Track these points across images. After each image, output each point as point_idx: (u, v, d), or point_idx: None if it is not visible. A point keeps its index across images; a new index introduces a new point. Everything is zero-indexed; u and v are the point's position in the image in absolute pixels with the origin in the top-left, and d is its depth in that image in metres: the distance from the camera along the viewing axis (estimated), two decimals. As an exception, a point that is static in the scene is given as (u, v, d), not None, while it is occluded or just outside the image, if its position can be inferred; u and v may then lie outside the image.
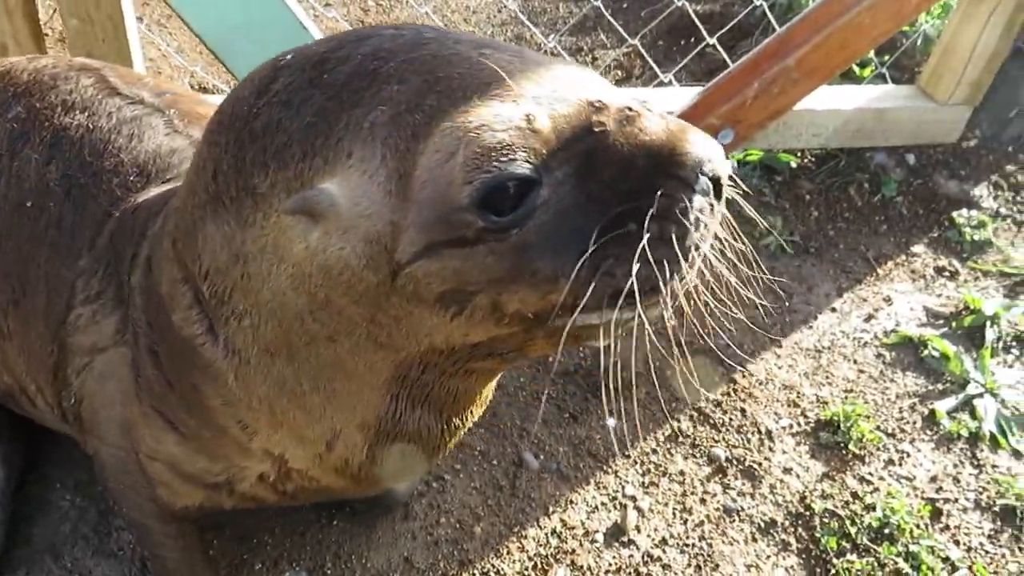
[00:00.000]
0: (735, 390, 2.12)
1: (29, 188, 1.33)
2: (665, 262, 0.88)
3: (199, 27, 2.22)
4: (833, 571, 1.78)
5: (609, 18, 2.75)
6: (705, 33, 2.57)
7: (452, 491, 1.86)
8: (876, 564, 1.79)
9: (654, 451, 1.98)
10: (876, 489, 1.93)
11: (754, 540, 1.84)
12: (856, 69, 2.87)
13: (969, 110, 2.70)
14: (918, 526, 1.86)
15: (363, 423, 1.08)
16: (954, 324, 2.31)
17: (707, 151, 0.91)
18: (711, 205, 0.91)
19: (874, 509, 1.88)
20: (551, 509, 1.86)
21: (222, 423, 1.14)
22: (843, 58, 2.47)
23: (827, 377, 2.18)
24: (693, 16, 2.64)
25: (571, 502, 1.88)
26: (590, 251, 0.87)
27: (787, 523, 1.87)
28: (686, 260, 0.89)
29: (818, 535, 1.84)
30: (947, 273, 2.48)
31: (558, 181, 0.88)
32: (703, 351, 2.19)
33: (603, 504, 1.88)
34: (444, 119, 0.85)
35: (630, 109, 0.91)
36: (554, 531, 1.82)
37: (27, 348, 1.38)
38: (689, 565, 1.78)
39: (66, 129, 1.36)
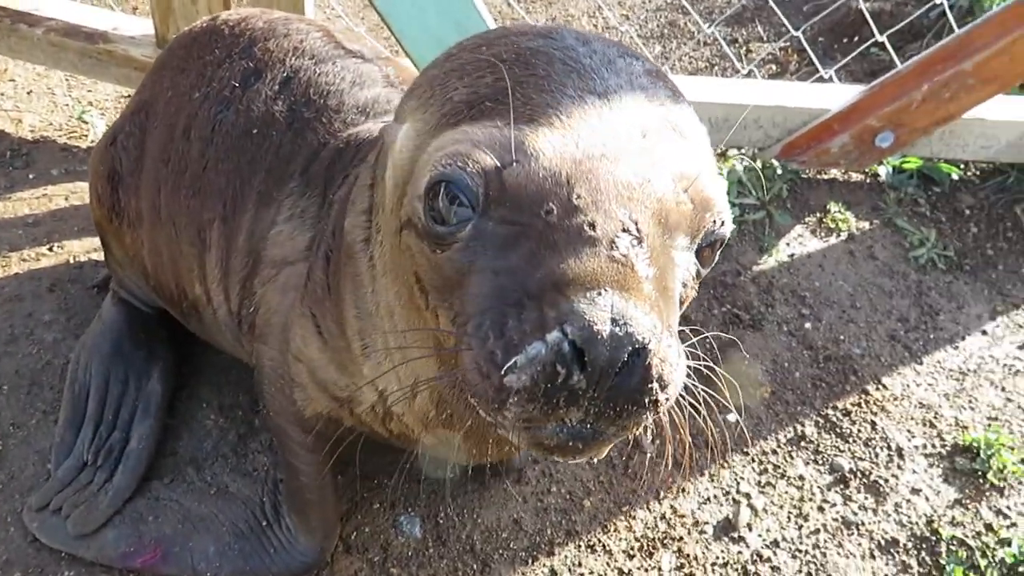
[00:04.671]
0: (866, 401, 2.03)
1: (256, 117, 1.53)
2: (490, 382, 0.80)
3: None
4: (956, 602, 1.69)
5: (773, 7, 2.67)
6: (875, 31, 2.46)
7: (565, 463, 1.89)
8: (1006, 602, 1.69)
9: (774, 452, 1.94)
10: (1014, 524, 1.81)
11: (872, 557, 1.77)
12: (1038, 81, 2.66)
13: None
14: (1058, 570, 1.74)
15: (405, 379, 1.20)
16: (1122, 363, 2.13)
17: (589, 315, 0.75)
18: (556, 368, 0.75)
19: (1009, 544, 1.77)
20: (662, 494, 1.85)
21: (350, 335, 1.25)
22: (1027, 66, 2.30)
23: (970, 401, 2.05)
24: (865, 13, 2.53)
25: (683, 490, 1.86)
26: (473, 321, 0.82)
27: (910, 545, 1.79)
28: (493, 402, 0.80)
29: (943, 562, 1.75)
30: (1120, 308, 2.28)
31: (485, 230, 0.86)
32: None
33: (715, 497, 1.85)
34: (468, 122, 0.90)
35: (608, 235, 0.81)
36: (663, 516, 1.81)
37: (225, 260, 1.54)
38: (800, 571, 1.74)
39: (296, 71, 1.55)
